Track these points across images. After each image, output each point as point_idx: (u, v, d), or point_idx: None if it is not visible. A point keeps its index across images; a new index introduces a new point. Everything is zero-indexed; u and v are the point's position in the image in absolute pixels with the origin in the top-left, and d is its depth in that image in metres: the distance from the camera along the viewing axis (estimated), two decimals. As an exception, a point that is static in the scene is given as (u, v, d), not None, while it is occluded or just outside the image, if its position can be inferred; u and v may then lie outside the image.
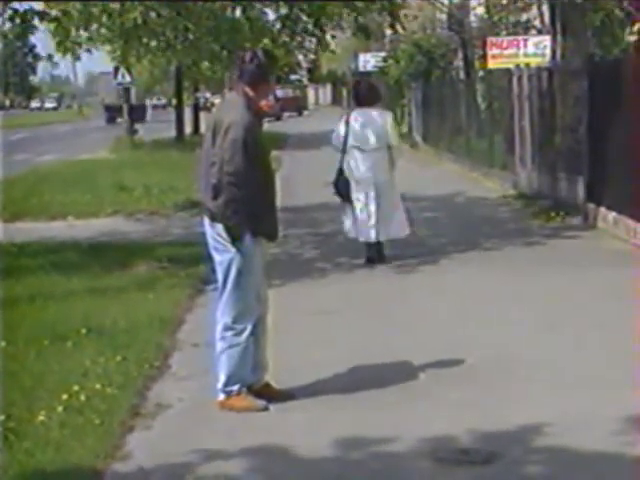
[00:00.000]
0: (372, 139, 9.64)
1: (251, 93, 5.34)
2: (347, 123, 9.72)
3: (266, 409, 5.48)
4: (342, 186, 9.69)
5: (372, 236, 9.72)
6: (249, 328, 5.44)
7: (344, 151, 9.74)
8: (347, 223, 9.94)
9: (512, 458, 4.67)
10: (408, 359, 6.32)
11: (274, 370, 5.71)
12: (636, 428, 4.97)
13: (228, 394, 5.51)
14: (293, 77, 59.66)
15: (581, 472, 4.51)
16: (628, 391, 5.55)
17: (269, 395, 5.57)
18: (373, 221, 9.68)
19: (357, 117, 9.72)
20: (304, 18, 14.31)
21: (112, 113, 51.28)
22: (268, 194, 5.38)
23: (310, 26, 14.02)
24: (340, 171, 9.75)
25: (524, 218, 12.83)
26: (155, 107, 74.73)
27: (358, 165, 9.70)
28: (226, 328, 5.47)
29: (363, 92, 9.90)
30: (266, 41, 17.79)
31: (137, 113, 47.16)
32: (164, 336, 7.02)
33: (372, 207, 9.68)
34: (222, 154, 5.22)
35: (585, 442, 4.81)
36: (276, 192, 5.58)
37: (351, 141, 9.69)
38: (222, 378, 5.50)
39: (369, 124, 9.64)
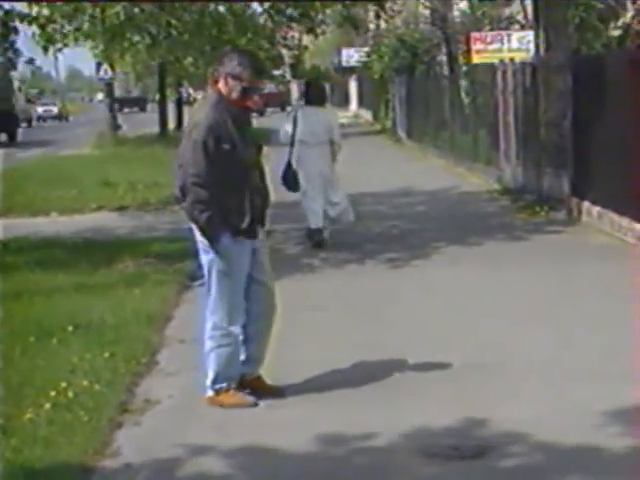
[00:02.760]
0: (318, 134, 10.45)
1: (225, 90, 5.30)
2: (295, 120, 10.51)
3: (255, 405, 5.48)
4: (290, 178, 10.42)
5: (320, 222, 10.52)
6: (237, 328, 5.44)
7: (292, 145, 10.47)
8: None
9: (502, 452, 4.68)
10: (398, 355, 6.31)
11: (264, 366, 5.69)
12: (625, 421, 4.98)
13: (217, 391, 5.51)
14: (276, 73, 59.56)
15: (571, 465, 4.52)
16: (618, 384, 5.56)
17: (259, 388, 5.57)
18: (320, 208, 10.48)
19: (305, 114, 10.54)
20: (289, 11, 14.29)
21: (121, 104, 63.24)
22: (240, 193, 5.29)
23: (297, 15, 14.00)
24: (289, 164, 10.46)
25: (509, 213, 12.86)
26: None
27: (306, 158, 10.45)
28: (214, 327, 5.47)
29: (313, 92, 10.79)
30: (250, 35, 17.76)
31: (139, 104, 69.94)
32: (151, 332, 7.00)
33: (319, 196, 10.49)
34: (185, 155, 5.26)
35: (575, 435, 4.82)
36: (259, 188, 5.46)
37: (299, 136, 10.45)
38: (210, 375, 5.51)
39: (316, 121, 10.46)
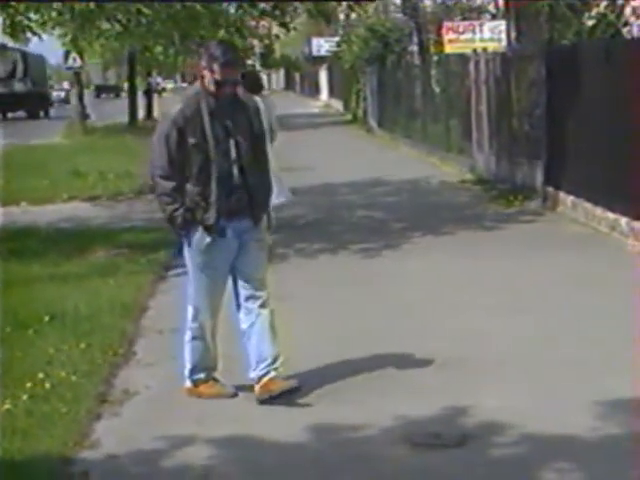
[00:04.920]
0: None
1: (204, 82, 5.26)
2: None
3: (235, 395, 5.46)
4: None
5: None
6: (208, 322, 5.40)
7: None
8: None
9: (485, 441, 4.70)
10: (377, 345, 6.30)
11: (242, 358, 5.56)
12: (606, 410, 5.01)
13: (195, 382, 5.49)
14: (246, 62, 59.44)
15: (553, 454, 4.54)
16: (597, 373, 5.61)
17: (273, 390, 5.31)
18: None
19: None
20: (262, 5, 14.24)
21: (99, 91, 79.64)
22: (205, 187, 5.19)
23: (269, 9, 13.94)
24: None
25: (483, 202, 12.89)
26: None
27: None
28: (192, 319, 5.46)
29: (249, 82, 10.82)
30: (222, 26, 17.67)
31: (115, 90, 78.96)
32: (128, 323, 6.97)
33: None
34: (153, 146, 5.29)
35: (556, 424, 4.85)
36: (243, 184, 5.29)
37: None
38: (187, 366, 5.49)
39: None
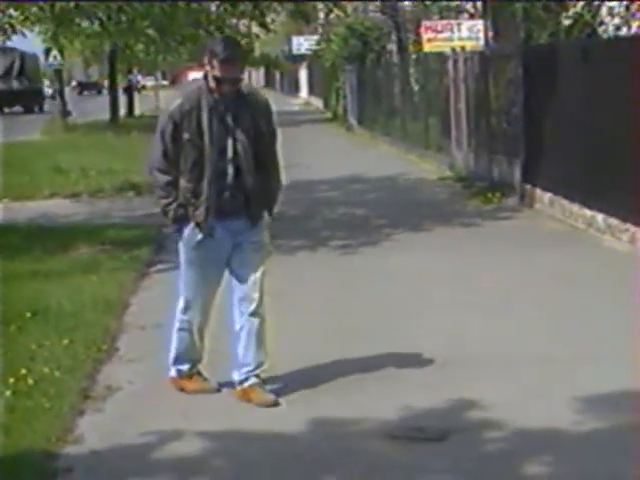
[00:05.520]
0: None
1: (210, 75, 5.18)
2: None
3: (218, 391, 5.48)
4: None
5: None
6: (196, 319, 5.41)
7: None
8: None
9: (467, 434, 4.74)
10: (360, 342, 6.33)
11: (229, 355, 5.55)
12: (589, 404, 5.08)
13: (179, 373, 5.51)
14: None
15: (534, 447, 4.59)
16: (578, 368, 5.67)
17: (251, 400, 5.30)
18: None
19: None
20: (242, 7, 14.31)
21: (82, 87, 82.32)
22: (197, 184, 5.16)
23: (249, 9, 14.02)
24: None
25: (462, 199, 12.99)
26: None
27: None
28: (181, 311, 5.46)
29: None
30: (202, 25, 17.74)
31: (97, 87, 79.34)
32: (110, 319, 6.98)
33: None
34: (153, 139, 5.30)
35: (538, 419, 4.89)
36: (239, 184, 5.20)
37: None
38: (172, 354, 5.51)
39: None
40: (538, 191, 11.70)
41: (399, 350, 6.11)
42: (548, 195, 11.35)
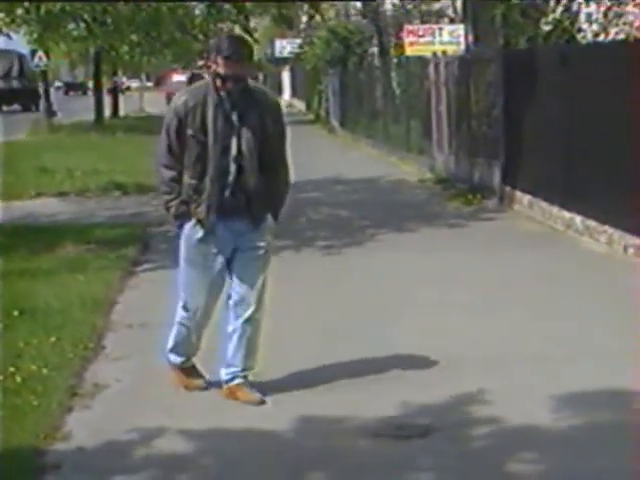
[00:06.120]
0: None
1: (217, 72, 5.12)
2: None
3: (206, 389, 5.50)
4: None
5: None
6: (197, 315, 5.38)
7: None
8: None
9: (450, 432, 4.79)
10: (345, 342, 6.35)
11: (215, 355, 5.58)
12: (572, 402, 5.15)
13: (173, 363, 5.53)
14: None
15: (518, 444, 4.64)
16: (562, 367, 5.75)
17: (237, 399, 5.34)
18: None
19: None
20: (227, 6, 14.39)
21: (68, 88, 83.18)
22: (200, 180, 5.13)
23: (234, 13, 14.11)
24: None
25: (442, 201, 13.09)
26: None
27: None
28: (181, 307, 5.44)
29: (194, 80, 11.24)
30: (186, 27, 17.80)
31: (82, 88, 78.47)
32: (97, 317, 6.99)
33: None
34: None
35: (522, 416, 4.94)
36: (241, 183, 5.14)
37: None
38: (169, 343, 5.52)
39: None
40: (518, 193, 11.84)
41: (383, 350, 6.13)
42: (527, 197, 11.50)
